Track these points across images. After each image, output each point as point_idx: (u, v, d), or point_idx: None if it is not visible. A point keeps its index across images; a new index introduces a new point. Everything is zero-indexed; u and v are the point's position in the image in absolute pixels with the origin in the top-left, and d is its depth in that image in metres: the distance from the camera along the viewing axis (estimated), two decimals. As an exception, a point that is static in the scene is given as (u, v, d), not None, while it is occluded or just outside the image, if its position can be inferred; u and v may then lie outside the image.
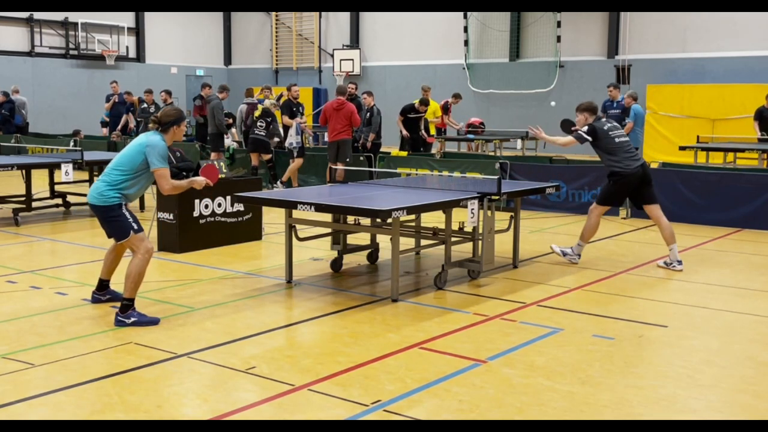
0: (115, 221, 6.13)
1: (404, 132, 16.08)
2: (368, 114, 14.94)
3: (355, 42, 27.43)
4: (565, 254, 8.61)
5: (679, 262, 8.28)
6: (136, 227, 6.13)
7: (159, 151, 6.12)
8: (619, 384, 4.97)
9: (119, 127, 20.05)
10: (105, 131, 21.07)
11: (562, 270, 8.27)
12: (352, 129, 13.79)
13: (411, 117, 16.05)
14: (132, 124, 19.94)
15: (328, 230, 8.18)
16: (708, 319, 6.51)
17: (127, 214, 6.15)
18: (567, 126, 8.92)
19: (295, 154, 14.09)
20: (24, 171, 11.26)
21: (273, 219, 10.47)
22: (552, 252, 8.79)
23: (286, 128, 14.35)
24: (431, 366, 5.25)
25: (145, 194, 12.01)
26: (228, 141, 16.53)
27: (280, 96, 15.46)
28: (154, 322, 6.13)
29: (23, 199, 11.25)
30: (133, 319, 6.08)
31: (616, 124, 8.72)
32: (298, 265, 8.07)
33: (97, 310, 6.55)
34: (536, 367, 5.25)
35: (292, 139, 14.08)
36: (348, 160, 13.45)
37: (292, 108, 14.34)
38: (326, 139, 14.83)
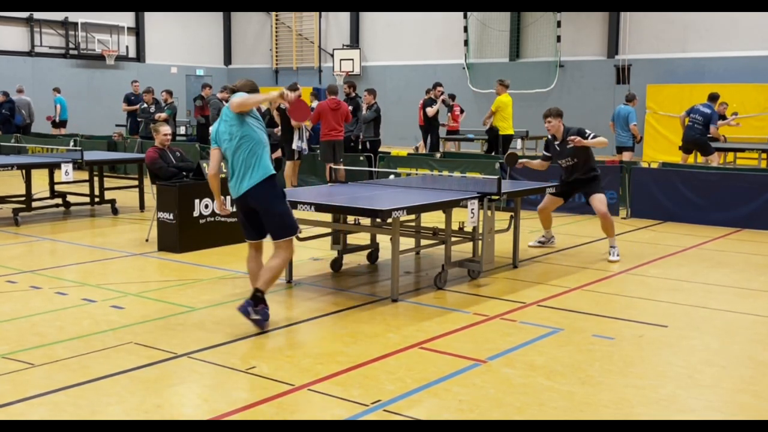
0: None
1: (431, 112, 16.16)
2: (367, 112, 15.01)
3: (355, 42, 27.43)
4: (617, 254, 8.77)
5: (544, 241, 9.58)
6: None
7: None
8: (618, 384, 4.97)
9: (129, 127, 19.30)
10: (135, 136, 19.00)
11: (562, 270, 8.27)
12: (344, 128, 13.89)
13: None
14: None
15: (328, 230, 8.18)
16: (708, 319, 6.51)
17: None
18: (512, 160, 9.20)
19: (296, 157, 13.85)
20: (24, 171, 11.26)
21: (273, 219, 10.44)
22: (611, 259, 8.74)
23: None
24: (431, 366, 5.25)
25: (145, 194, 12.05)
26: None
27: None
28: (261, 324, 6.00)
29: (23, 199, 11.25)
30: (257, 317, 5.96)
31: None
32: (298, 265, 8.06)
33: (97, 310, 6.55)
34: (536, 367, 5.25)
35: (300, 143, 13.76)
36: (341, 159, 13.47)
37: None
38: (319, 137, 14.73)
